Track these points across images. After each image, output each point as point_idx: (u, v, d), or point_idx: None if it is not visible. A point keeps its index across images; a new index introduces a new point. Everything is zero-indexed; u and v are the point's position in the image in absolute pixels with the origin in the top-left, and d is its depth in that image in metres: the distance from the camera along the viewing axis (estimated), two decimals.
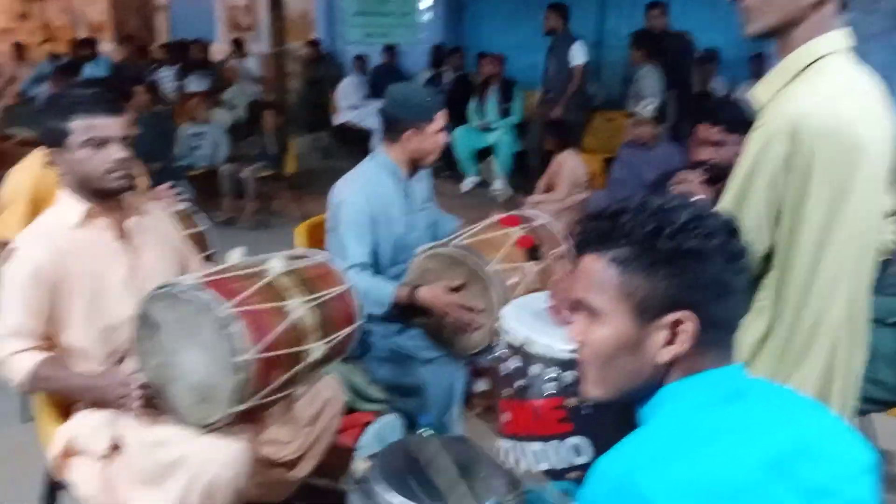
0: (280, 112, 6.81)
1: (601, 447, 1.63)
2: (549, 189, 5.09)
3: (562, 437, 1.66)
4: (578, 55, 6.39)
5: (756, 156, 1.43)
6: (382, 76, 8.46)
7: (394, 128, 2.53)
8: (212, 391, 1.67)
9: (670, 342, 0.96)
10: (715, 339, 0.97)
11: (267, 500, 2.07)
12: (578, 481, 1.68)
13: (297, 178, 6.68)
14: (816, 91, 1.40)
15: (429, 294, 2.34)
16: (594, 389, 1.05)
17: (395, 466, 1.59)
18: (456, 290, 2.32)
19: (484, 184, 7.14)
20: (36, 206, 2.73)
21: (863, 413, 2.39)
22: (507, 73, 7.30)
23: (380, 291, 2.37)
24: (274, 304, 1.74)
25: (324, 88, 8.62)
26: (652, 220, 0.95)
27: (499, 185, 6.94)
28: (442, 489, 1.50)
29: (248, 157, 6.48)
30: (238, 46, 8.85)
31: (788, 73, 1.46)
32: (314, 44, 8.87)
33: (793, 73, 1.45)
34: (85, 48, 9.11)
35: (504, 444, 1.77)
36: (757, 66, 6.80)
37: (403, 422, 2.45)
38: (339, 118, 8.26)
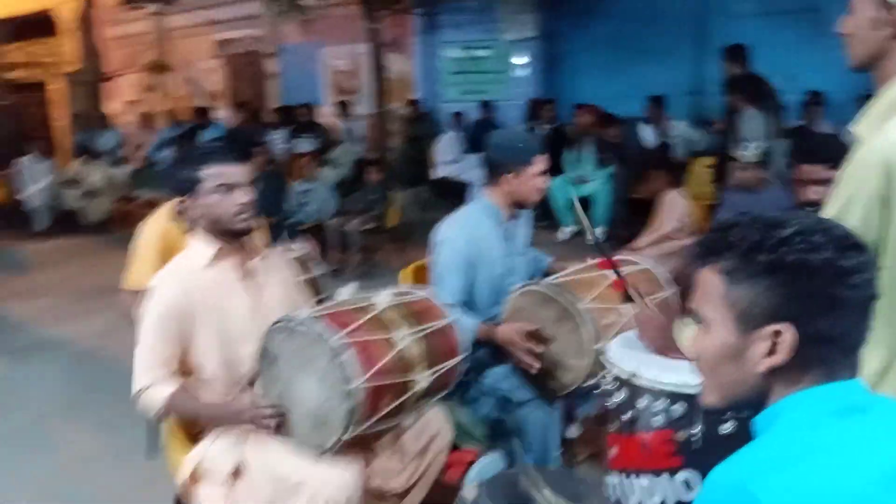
0: (382, 168, 7.10)
1: None
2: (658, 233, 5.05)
3: (672, 471, 1.62)
4: (649, 137, 6.85)
5: (851, 189, 1.41)
6: (480, 131, 8.68)
7: (495, 171, 2.61)
8: (326, 417, 1.76)
9: (770, 353, 0.95)
10: (822, 354, 0.95)
11: None
12: None
13: (399, 231, 6.89)
14: None
15: (504, 333, 2.37)
16: (709, 397, 1.05)
17: (502, 494, 1.61)
18: (535, 333, 2.32)
19: (581, 233, 7.13)
20: (164, 256, 2.95)
21: None
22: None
23: (463, 328, 2.38)
24: (382, 336, 1.82)
25: (423, 145, 8.92)
26: (757, 232, 0.96)
27: (598, 232, 6.92)
28: None
29: (353, 212, 6.77)
30: (344, 109, 9.32)
31: (884, 106, 1.44)
32: (414, 103, 9.23)
33: (888, 105, 1.43)
34: (202, 116, 9.86)
35: (611, 480, 1.74)
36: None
37: (506, 461, 2.46)
38: (437, 173, 8.49)
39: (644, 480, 1.65)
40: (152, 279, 2.04)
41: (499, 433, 2.55)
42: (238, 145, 2.24)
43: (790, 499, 0.83)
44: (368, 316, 1.85)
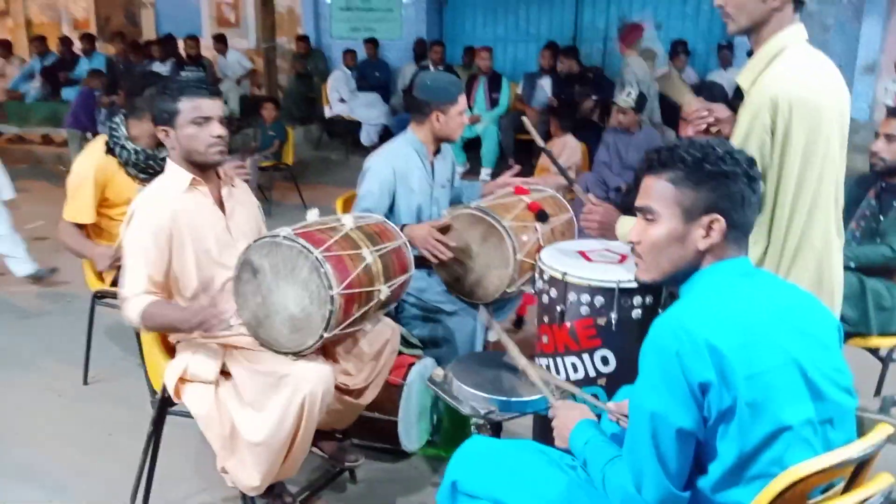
0: (278, 105, 7.12)
1: (623, 357, 2.04)
2: (542, 169, 5.49)
3: (591, 351, 2.07)
4: (547, 87, 7.36)
5: (747, 126, 1.85)
6: (367, 70, 8.81)
7: (421, 109, 2.88)
8: (305, 322, 2.04)
9: (707, 236, 1.36)
10: (736, 237, 1.38)
11: (332, 427, 2.45)
12: (605, 387, 2.08)
13: (292, 169, 6.99)
14: (787, 72, 1.83)
15: (411, 229, 2.69)
16: (647, 274, 1.45)
17: (466, 370, 1.99)
18: (443, 228, 2.68)
19: (472, 171, 7.54)
20: (99, 190, 3.06)
21: None
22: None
23: None
24: (351, 252, 2.11)
25: (313, 82, 8.92)
26: (700, 150, 1.36)
27: (485, 173, 7.35)
28: (505, 384, 1.90)
29: (249, 149, 6.79)
30: (225, 42, 9.11)
31: (763, 61, 1.89)
32: (303, 39, 9.16)
33: (766, 61, 1.88)
34: (70, 46, 9.30)
35: (542, 362, 2.16)
36: (724, 56, 7.31)
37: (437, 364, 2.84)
38: (329, 111, 8.57)
39: (571, 359, 2.09)
40: (135, 204, 2.16)
41: (430, 343, 2.93)
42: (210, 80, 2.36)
43: (712, 329, 1.24)
44: (339, 235, 2.13)
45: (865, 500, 1.27)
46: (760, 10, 1.86)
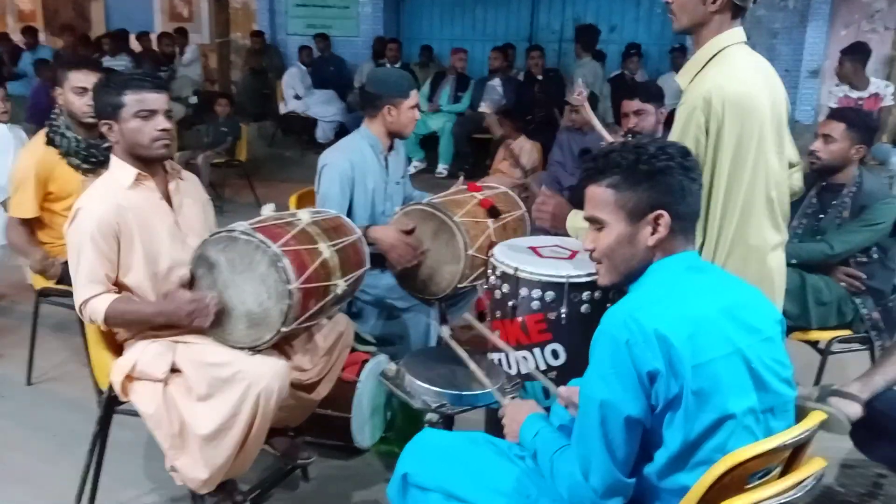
0: (231, 101, 7.03)
1: (572, 351, 2.08)
2: (497, 170, 5.54)
3: (542, 344, 2.10)
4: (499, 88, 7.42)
5: (682, 125, 1.91)
6: (322, 66, 8.75)
7: (373, 103, 2.91)
8: (262, 317, 2.03)
9: (654, 232, 1.40)
10: (682, 227, 1.42)
11: (285, 424, 2.43)
12: (555, 380, 2.12)
13: (246, 165, 6.91)
14: (722, 72, 1.90)
15: (379, 232, 2.71)
16: (606, 278, 1.48)
17: (418, 365, 2.01)
18: (408, 234, 2.69)
19: (429, 168, 7.56)
20: (42, 184, 2.98)
21: None
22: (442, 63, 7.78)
23: None
24: (308, 246, 2.11)
25: (267, 78, 8.83)
26: (632, 153, 1.39)
27: (441, 168, 7.39)
28: (457, 378, 1.92)
29: (201, 145, 6.69)
30: (180, 37, 8.96)
31: (701, 62, 1.96)
32: (258, 34, 9.05)
33: (704, 61, 1.95)
34: (27, 37, 9.05)
35: (494, 356, 2.19)
36: (676, 59, 7.48)
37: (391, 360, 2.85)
38: (284, 107, 8.49)
39: (522, 353, 2.12)
40: (79, 202, 2.11)
41: (385, 338, 2.94)
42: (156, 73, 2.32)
43: (661, 320, 1.28)
44: (296, 229, 2.12)
45: (800, 482, 1.33)
46: (701, 11, 1.92)
